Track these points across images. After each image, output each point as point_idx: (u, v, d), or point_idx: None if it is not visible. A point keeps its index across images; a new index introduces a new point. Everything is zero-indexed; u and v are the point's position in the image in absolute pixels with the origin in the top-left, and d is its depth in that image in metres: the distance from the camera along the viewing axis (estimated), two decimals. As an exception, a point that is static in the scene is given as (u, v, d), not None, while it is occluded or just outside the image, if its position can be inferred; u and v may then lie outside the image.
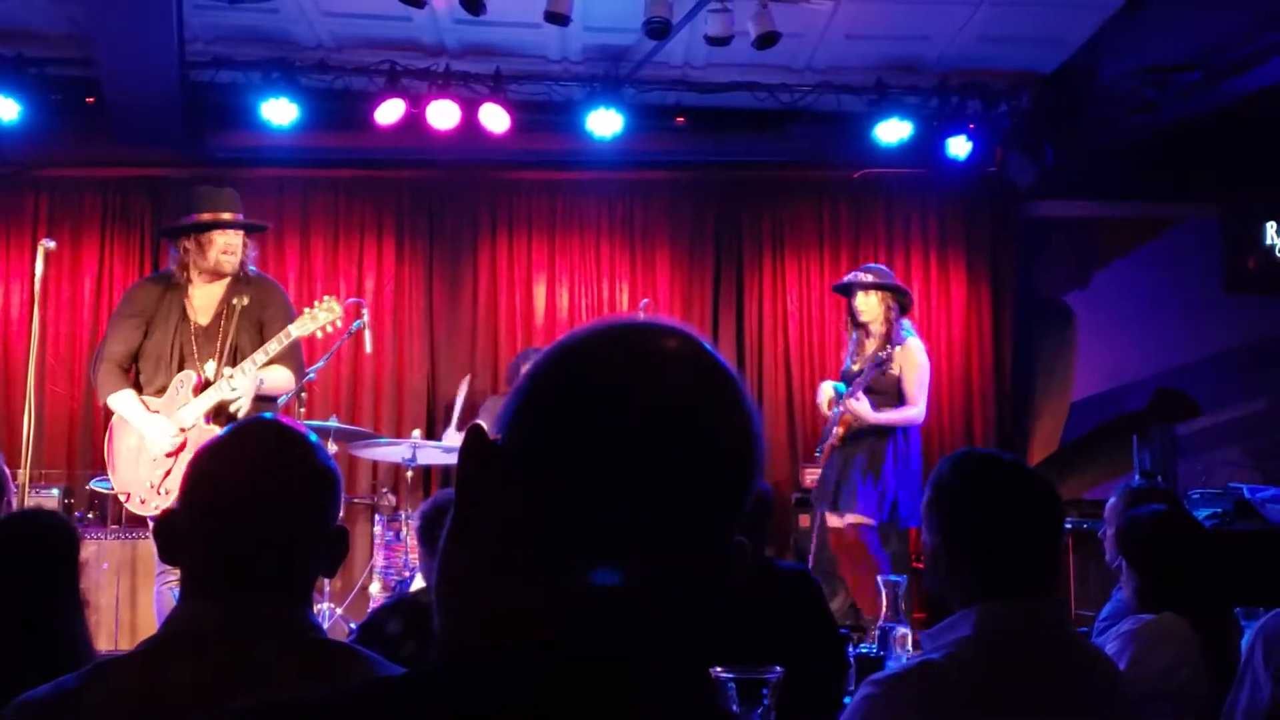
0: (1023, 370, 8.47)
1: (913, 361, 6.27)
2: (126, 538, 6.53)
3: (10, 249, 8.01)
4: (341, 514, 1.78)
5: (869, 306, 6.36)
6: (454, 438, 7.18)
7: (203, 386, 5.03)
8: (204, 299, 5.20)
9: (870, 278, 6.45)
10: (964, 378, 8.34)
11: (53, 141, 7.65)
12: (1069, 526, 6.15)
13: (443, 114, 7.31)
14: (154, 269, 8.07)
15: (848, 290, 6.51)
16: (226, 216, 5.17)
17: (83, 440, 7.92)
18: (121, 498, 5.20)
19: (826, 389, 6.47)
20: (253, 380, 5.00)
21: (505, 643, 0.93)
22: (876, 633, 3.13)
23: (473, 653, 0.94)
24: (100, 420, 7.95)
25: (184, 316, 5.15)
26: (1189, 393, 8.26)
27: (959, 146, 7.71)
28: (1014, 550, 2.12)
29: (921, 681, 2.02)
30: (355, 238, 8.24)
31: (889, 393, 6.26)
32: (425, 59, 7.38)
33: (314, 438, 1.77)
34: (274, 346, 5.04)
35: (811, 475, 7.45)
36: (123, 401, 5.11)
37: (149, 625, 6.13)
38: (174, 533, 1.67)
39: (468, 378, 7.71)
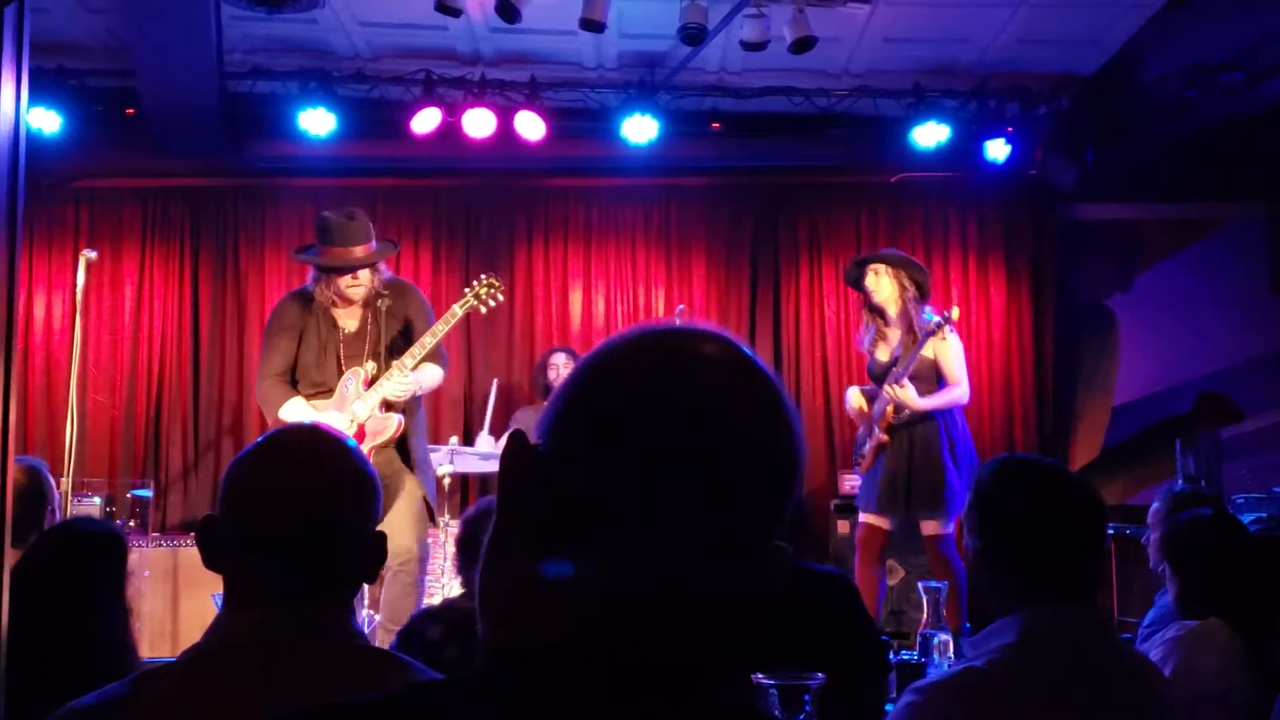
0: (1064, 374, 8.40)
1: (947, 340, 5.81)
2: (168, 546, 6.58)
3: (52, 259, 8.10)
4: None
5: (880, 286, 5.90)
6: (486, 440, 7.24)
7: (371, 382, 5.10)
8: (346, 309, 5.26)
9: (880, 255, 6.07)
10: (1005, 382, 8.28)
11: (93, 152, 7.73)
12: (1112, 532, 6.08)
13: (478, 122, 7.34)
14: (194, 278, 8.16)
15: (859, 272, 6.04)
16: (354, 254, 5.14)
17: (124, 449, 8.00)
18: None
19: (855, 395, 6.15)
20: (413, 378, 5.10)
21: (547, 647, 0.92)
22: (918, 639, 3.11)
23: (515, 657, 0.94)
24: (142, 429, 8.04)
25: (333, 324, 5.22)
26: (1233, 396, 8.16)
27: (998, 150, 7.65)
28: (1056, 556, 2.11)
29: (965, 689, 2.00)
30: (392, 246, 8.28)
31: (926, 378, 5.83)
32: (461, 68, 7.41)
33: (352, 443, 1.78)
34: (429, 340, 5.15)
35: (850, 482, 7.40)
36: (294, 410, 5.13)
37: (189, 632, 6.17)
38: (215, 540, 1.68)
39: (496, 381, 7.74)
